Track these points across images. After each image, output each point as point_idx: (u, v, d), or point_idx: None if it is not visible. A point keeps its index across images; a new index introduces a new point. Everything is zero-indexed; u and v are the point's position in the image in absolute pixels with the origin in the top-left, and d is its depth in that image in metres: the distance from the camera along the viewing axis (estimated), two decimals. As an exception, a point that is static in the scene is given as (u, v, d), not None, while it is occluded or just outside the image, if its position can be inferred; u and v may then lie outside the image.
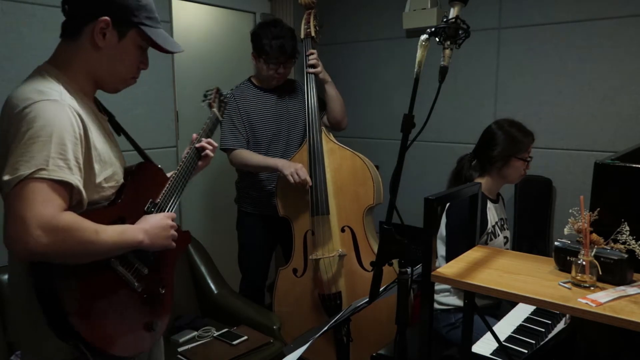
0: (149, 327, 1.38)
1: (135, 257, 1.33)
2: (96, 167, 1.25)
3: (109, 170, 1.30)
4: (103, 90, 1.39)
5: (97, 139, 1.27)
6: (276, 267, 3.19)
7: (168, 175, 1.57)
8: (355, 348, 2.39)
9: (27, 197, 1.08)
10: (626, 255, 1.13)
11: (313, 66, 2.57)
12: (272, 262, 3.09)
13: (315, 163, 2.48)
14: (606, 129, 2.68)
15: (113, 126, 1.46)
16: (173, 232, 1.40)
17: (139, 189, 1.41)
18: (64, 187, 1.13)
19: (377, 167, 2.59)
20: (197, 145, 1.64)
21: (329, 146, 2.53)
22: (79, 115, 1.20)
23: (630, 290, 1.10)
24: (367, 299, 1.48)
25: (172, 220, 1.42)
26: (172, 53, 1.40)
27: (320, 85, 2.62)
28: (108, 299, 1.26)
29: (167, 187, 1.49)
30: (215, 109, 1.80)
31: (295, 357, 1.48)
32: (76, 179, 1.15)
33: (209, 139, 1.69)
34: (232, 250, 2.87)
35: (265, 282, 2.89)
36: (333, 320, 1.67)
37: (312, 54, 2.59)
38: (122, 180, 1.36)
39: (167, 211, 1.47)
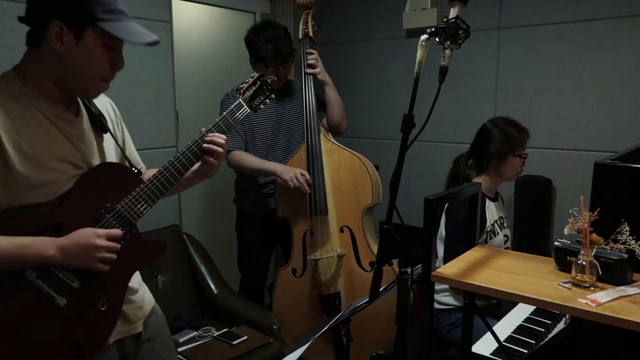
0: (75, 348, 1.24)
1: (61, 268, 1.22)
2: (23, 171, 1.17)
3: (47, 176, 1.21)
4: (76, 95, 1.33)
5: (31, 145, 1.19)
6: (276, 267, 3.19)
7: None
8: (355, 348, 2.39)
9: None
10: (626, 255, 1.13)
11: (311, 66, 2.57)
12: (272, 262, 3.09)
13: (313, 163, 2.48)
14: (606, 129, 2.68)
15: (101, 126, 1.38)
16: (103, 254, 1.24)
17: (94, 193, 1.29)
18: None
19: (377, 167, 2.59)
20: (205, 140, 1.41)
21: (328, 146, 2.53)
22: None
23: (630, 290, 1.10)
24: (367, 299, 1.48)
25: (111, 238, 1.26)
26: (145, 45, 1.25)
27: (320, 86, 2.62)
28: (14, 314, 1.16)
29: (135, 192, 1.33)
30: (241, 99, 1.52)
31: (295, 357, 1.48)
32: None
33: (217, 134, 1.43)
34: (232, 250, 2.87)
35: (265, 282, 2.89)
36: (333, 320, 1.67)
37: (311, 53, 2.59)
38: (69, 186, 1.26)
39: (128, 218, 1.32)
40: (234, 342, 2.37)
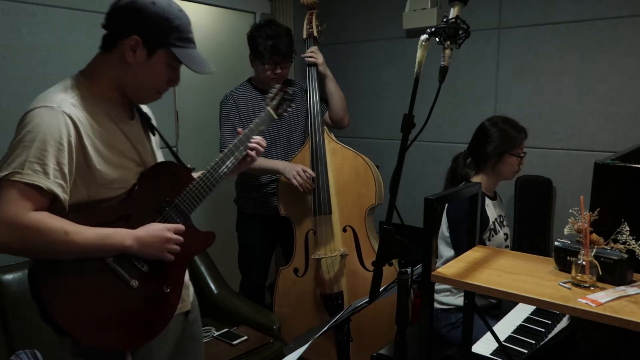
0: (145, 326, 1.39)
1: (133, 254, 1.37)
2: (101, 169, 1.32)
3: (116, 173, 1.36)
4: (130, 99, 1.45)
5: (105, 144, 1.33)
6: (276, 267, 3.19)
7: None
8: (355, 348, 2.39)
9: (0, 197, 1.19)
10: (626, 255, 1.13)
11: (311, 57, 2.58)
12: (272, 262, 3.09)
13: (317, 163, 2.48)
14: (606, 129, 2.68)
15: (150, 127, 1.53)
16: (172, 246, 1.41)
17: (154, 188, 1.45)
18: (37, 190, 1.21)
19: (377, 167, 2.59)
20: (249, 145, 1.66)
21: (331, 146, 2.53)
22: (74, 122, 1.26)
23: (630, 290, 1.10)
24: (367, 299, 1.48)
25: (177, 232, 1.42)
26: (203, 73, 1.44)
27: (320, 79, 2.62)
28: (96, 293, 1.31)
29: (189, 187, 1.50)
30: (269, 107, 1.79)
31: (295, 357, 1.48)
32: (50, 183, 1.22)
33: (258, 138, 1.70)
34: (232, 250, 2.87)
35: (265, 282, 2.89)
36: (333, 320, 1.67)
37: (310, 52, 2.60)
38: (133, 182, 1.41)
39: (185, 211, 1.49)
40: (234, 342, 2.37)
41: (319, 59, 2.59)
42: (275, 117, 1.80)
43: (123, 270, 1.35)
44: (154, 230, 1.38)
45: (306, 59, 2.59)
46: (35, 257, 1.26)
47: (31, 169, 1.20)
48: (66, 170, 1.25)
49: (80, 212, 1.30)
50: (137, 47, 1.33)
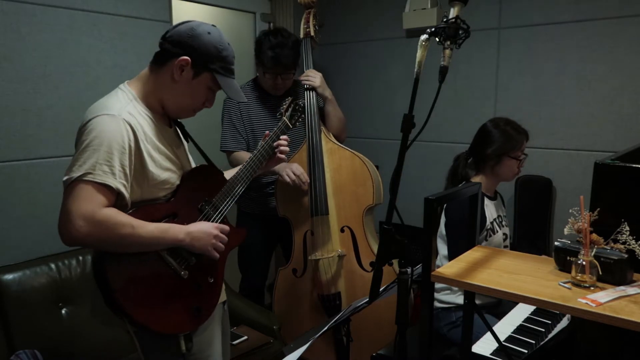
0: (195, 312, 1.53)
1: (183, 248, 1.50)
2: (153, 171, 1.47)
3: (165, 175, 1.51)
4: (166, 112, 1.58)
5: (155, 149, 1.49)
6: (276, 267, 3.19)
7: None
8: (355, 348, 2.39)
9: (74, 195, 1.33)
10: (626, 255, 1.13)
11: (308, 81, 2.56)
12: (272, 262, 3.09)
13: (314, 163, 2.48)
14: (606, 129, 2.68)
15: (183, 135, 1.68)
16: (218, 243, 1.55)
17: (194, 188, 1.60)
18: (107, 188, 1.36)
19: (377, 167, 2.59)
20: (275, 143, 1.83)
21: (329, 146, 2.53)
22: (132, 129, 1.41)
23: (630, 290, 1.10)
24: (367, 299, 1.48)
25: (223, 232, 1.56)
26: (236, 100, 1.64)
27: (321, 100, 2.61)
28: (153, 282, 1.46)
29: (224, 188, 1.66)
30: (284, 117, 1.95)
31: (295, 357, 1.49)
32: (117, 183, 1.37)
33: (284, 137, 1.87)
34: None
35: (265, 282, 2.89)
36: (333, 320, 1.68)
37: (305, 76, 2.57)
38: (177, 183, 1.56)
39: (222, 209, 1.64)
40: (234, 342, 2.37)
41: (317, 81, 2.55)
42: (290, 126, 1.96)
43: (175, 262, 1.49)
44: (204, 227, 1.53)
45: (304, 82, 2.57)
46: (105, 248, 1.39)
47: (101, 170, 1.35)
48: (127, 171, 1.40)
49: (138, 209, 1.45)
50: (185, 67, 1.48)
